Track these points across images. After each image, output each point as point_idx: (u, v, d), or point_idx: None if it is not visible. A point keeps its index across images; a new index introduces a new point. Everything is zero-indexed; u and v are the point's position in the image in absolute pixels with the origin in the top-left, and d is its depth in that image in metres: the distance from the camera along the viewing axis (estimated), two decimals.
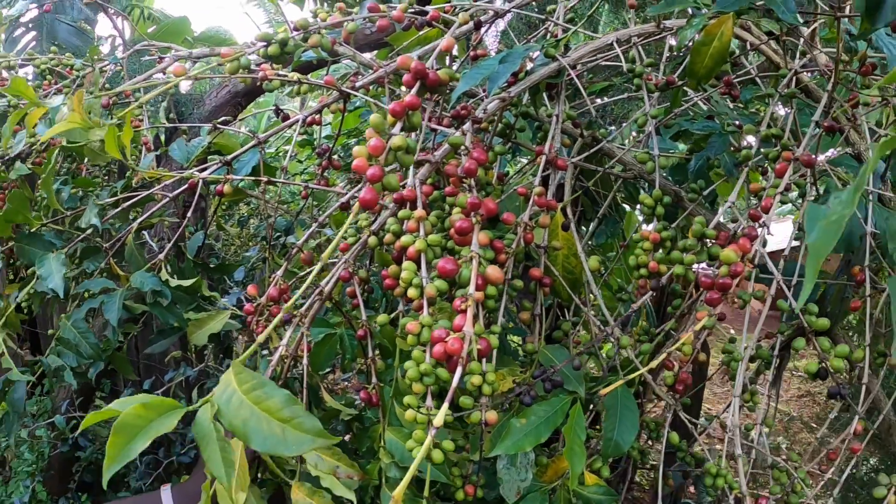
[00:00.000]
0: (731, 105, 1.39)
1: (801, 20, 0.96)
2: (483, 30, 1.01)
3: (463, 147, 0.78)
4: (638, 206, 1.32)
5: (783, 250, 1.06)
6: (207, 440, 0.65)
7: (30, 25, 2.78)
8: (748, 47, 1.17)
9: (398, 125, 0.70)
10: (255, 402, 0.65)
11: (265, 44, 0.90)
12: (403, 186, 0.82)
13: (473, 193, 0.75)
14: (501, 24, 2.12)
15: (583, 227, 1.95)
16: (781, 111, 1.40)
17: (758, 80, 1.32)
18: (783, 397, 5.37)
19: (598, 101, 1.77)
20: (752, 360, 1.05)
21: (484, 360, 0.76)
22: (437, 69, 0.77)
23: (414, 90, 0.73)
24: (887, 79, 0.43)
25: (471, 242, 0.72)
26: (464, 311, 0.67)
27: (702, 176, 1.31)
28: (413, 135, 0.79)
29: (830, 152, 1.37)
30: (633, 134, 1.89)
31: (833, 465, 0.98)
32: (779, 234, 1.17)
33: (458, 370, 0.65)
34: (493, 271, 0.70)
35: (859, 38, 0.86)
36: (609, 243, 1.79)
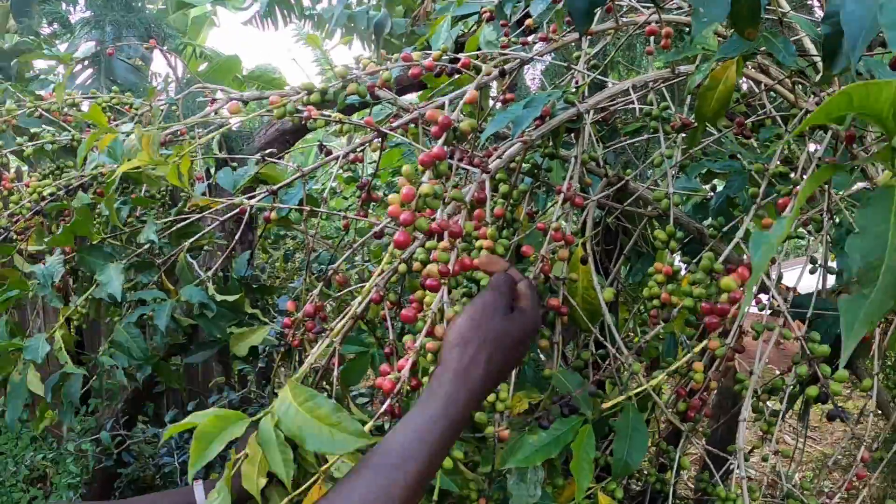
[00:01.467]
0: (754, 144, 1.45)
1: (806, 63, 1.02)
2: (509, 77, 1.09)
3: (463, 202, 0.87)
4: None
5: (794, 287, 1.11)
6: (270, 445, 0.80)
7: (86, 63, 2.96)
8: (763, 88, 1.22)
9: (427, 173, 0.80)
10: (307, 411, 0.80)
11: (308, 92, 1.00)
12: (433, 220, 0.90)
13: (456, 250, 0.85)
14: (540, 65, 2.20)
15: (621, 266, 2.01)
16: (811, 147, 1.45)
17: (778, 119, 1.37)
18: (827, 440, 5.28)
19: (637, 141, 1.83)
20: (771, 391, 1.09)
21: None
22: (461, 121, 0.85)
23: (440, 142, 0.82)
24: (806, 123, 0.49)
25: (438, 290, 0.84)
26: (408, 358, 0.82)
27: (722, 213, 1.36)
28: (443, 180, 0.88)
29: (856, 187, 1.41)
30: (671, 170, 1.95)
31: (840, 491, 1.02)
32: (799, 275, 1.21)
33: (388, 400, 0.80)
34: (440, 329, 0.82)
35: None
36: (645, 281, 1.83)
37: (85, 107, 1.73)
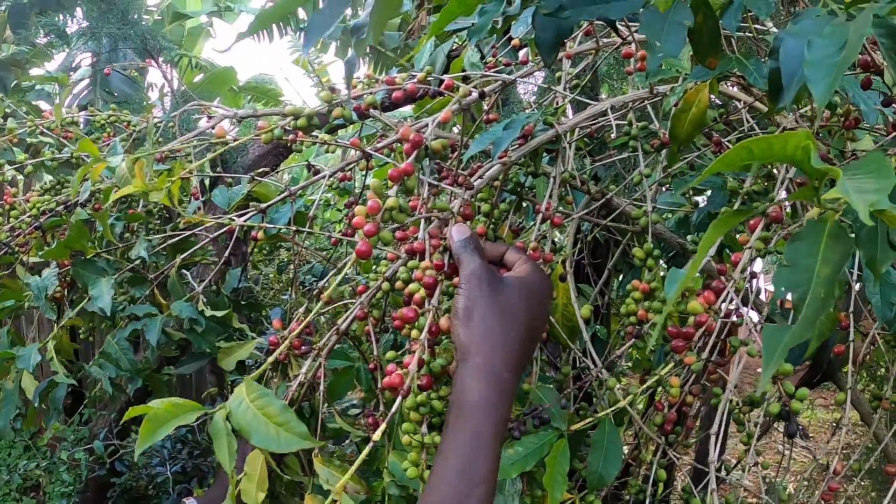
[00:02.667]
0: None
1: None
2: (494, 96, 1.12)
3: (449, 212, 0.89)
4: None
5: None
6: (219, 435, 0.84)
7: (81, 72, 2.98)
8: (743, 104, 1.26)
9: (395, 188, 0.83)
10: (258, 408, 0.84)
11: (295, 117, 1.03)
12: (416, 239, 0.92)
13: (443, 254, 0.87)
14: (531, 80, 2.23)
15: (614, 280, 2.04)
16: None
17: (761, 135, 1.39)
18: (823, 449, 5.30)
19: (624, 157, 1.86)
20: (752, 404, 1.11)
21: None
22: (434, 139, 0.88)
23: (410, 158, 0.85)
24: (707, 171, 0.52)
25: (433, 296, 0.84)
26: (413, 353, 0.80)
27: (703, 229, 1.39)
28: (418, 194, 0.90)
29: None
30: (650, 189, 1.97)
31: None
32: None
33: (399, 398, 0.79)
34: (444, 321, 0.81)
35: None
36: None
37: (83, 123, 1.76)
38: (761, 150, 0.50)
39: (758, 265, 1.05)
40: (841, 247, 0.52)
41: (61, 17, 3.43)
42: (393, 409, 0.77)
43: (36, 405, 1.39)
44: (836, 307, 1.15)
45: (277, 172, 2.06)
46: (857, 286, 1.13)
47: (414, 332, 0.85)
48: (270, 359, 0.96)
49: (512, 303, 0.76)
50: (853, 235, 0.65)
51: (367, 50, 3.77)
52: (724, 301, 0.92)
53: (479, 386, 0.72)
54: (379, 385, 1.01)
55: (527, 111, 1.18)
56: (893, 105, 1.07)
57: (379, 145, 1.03)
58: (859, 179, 0.48)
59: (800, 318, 0.48)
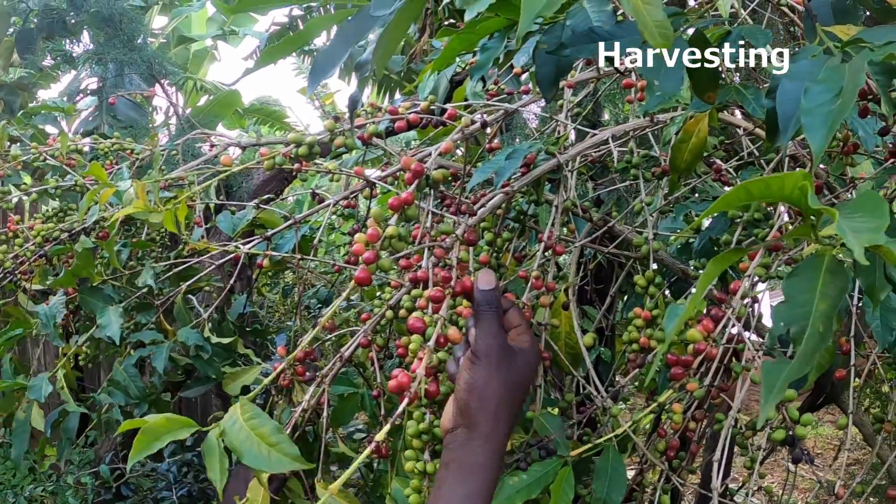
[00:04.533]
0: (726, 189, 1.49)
1: None
2: (497, 125, 1.14)
3: (454, 236, 0.90)
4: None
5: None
6: (212, 452, 0.85)
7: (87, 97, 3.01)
8: (743, 131, 1.27)
9: (395, 217, 0.84)
10: (251, 427, 0.84)
11: (296, 145, 1.05)
12: (419, 268, 0.94)
13: (448, 270, 0.88)
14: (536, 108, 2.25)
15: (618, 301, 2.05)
16: None
17: (763, 162, 1.41)
18: (831, 465, 5.27)
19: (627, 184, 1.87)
20: (752, 428, 1.12)
21: None
22: (436, 168, 0.90)
23: (411, 188, 0.86)
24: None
25: (440, 309, 0.85)
26: (420, 358, 0.81)
27: (705, 254, 1.40)
28: (420, 224, 0.91)
29: None
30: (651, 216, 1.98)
31: None
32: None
33: (405, 401, 0.79)
34: (453, 332, 0.83)
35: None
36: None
37: (87, 150, 1.78)
38: (759, 190, 0.51)
39: (760, 286, 1.05)
40: (838, 282, 0.53)
41: (68, 41, 3.45)
42: (398, 411, 0.78)
43: (48, 435, 1.40)
44: (836, 333, 1.16)
45: (283, 199, 2.07)
46: (857, 304, 1.14)
47: (413, 346, 0.86)
48: (267, 380, 0.97)
49: (519, 378, 0.82)
50: (852, 265, 0.66)
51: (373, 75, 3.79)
52: (725, 327, 0.93)
53: (483, 451, 0.79)
54: (382, 412, 1.02)
55: (529, 140, 1.20)
56: (892, 133, 1.09)
57: (383, 174, 1.04)
58: (855, 218, 0.49)
59: (798, 353, 0.49)
